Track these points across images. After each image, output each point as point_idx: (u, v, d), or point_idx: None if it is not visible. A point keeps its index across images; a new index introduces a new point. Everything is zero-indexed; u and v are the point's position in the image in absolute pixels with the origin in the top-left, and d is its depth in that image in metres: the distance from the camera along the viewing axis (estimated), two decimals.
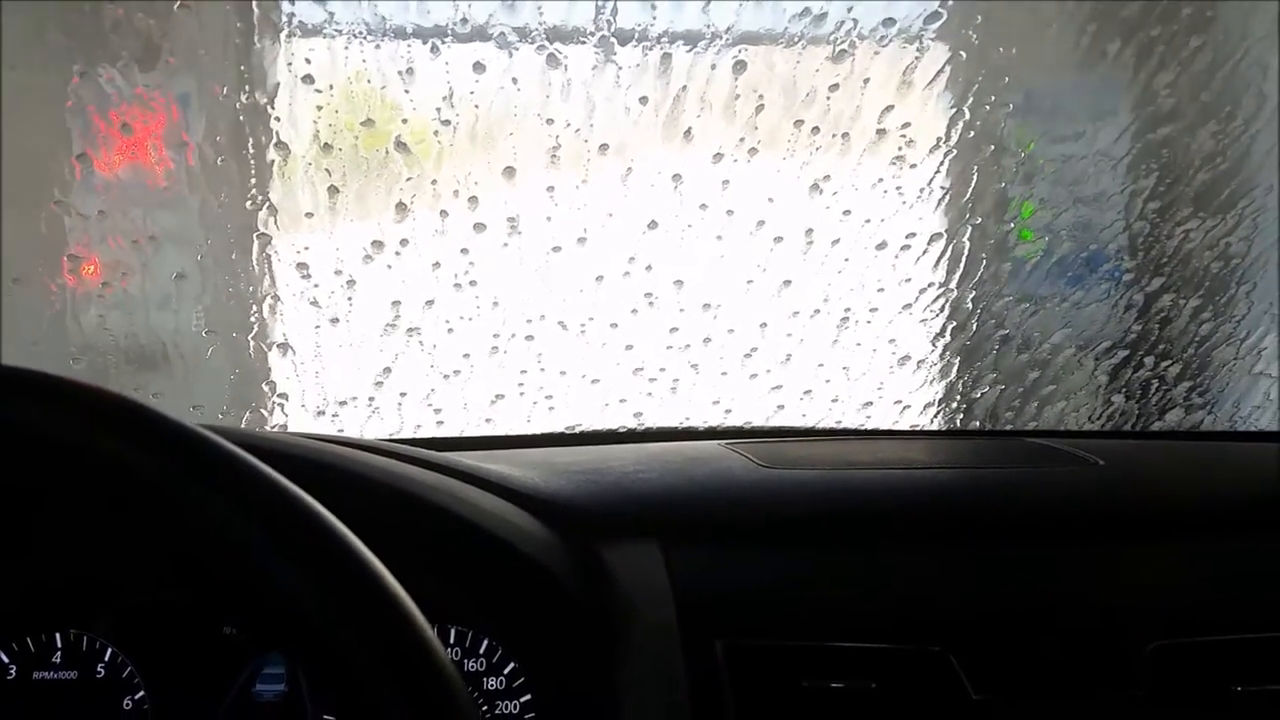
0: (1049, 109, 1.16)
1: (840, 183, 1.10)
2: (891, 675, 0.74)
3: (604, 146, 1.06)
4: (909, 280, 1.14)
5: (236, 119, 1.03)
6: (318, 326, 1.09)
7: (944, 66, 1.08)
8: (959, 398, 1.19)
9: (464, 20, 0.98)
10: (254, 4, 1.00)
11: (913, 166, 1.11)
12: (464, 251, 1.08)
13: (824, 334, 1.15)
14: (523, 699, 0.79)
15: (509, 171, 1.06)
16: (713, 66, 1.02)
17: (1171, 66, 1.12)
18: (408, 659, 0.44)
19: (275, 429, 1.12)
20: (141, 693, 0.78)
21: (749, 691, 0.72)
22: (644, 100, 1.05)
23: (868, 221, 1.12)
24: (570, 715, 0.77)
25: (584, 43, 1.00)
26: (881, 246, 1.13)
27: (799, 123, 1.07)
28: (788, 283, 1.13)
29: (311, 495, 0.47)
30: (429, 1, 0.95)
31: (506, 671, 0.79)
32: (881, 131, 1.08)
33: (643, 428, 1.15)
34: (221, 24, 1.02)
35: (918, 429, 1.20)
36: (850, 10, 1.02)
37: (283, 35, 0.99)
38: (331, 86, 0.99)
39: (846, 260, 1.13)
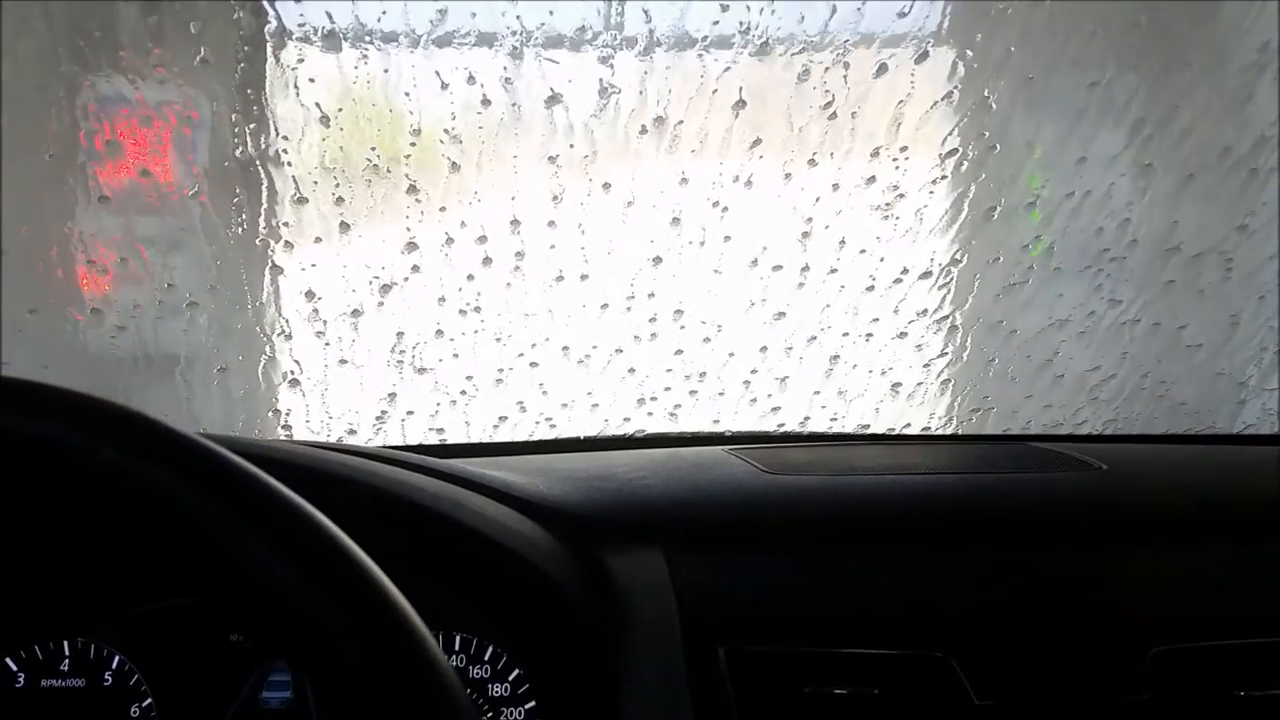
0: (1042, 124, 1.18)
1: (837, 209, 1.12)
2: (894, 681, 0.74)
3: (607, 185, 1.08)
4: (905, 300, 1.16)
5: (249, 152, 1.05)
6: (326, 344, 1.10)
7: (938, 102, 1.11)
8: (957, 410, 1.20)
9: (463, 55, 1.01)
10: (268, 41, 1.02)
11: (901, 196, 1.13)
12: (470, 278, 1.10)
13: (822, 356, 1.17)
14: (527, 705, 0.79)
15: (512, 199, 1.08)
16: (714, 91, 1.05)
17: (1164, 91, 1.15)
18: (408, 666, 0.45)
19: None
20: (148, 700, 0.78)
21: (752, 697, 0.72)
22: (644, 131, 1.08)
23: (863, 251, 1.14)
24: None
25: (590, 48, 1.02)
26: (873, 279, 1.14)
27: (793, 154, 1.09)
28: (782, 313, 1.15)
29: (313, 503, 0.48)
30: (439, 2, 0.98)
31: (511, 678, 0.79)
32: (875, 161, 1.10)
33: (645, 434, 1.15)
34: (233, 57, 1.04)
35: (920, 434, 1.21)
36: (846, 41, 1.05)
37: (293, 63, 1.02)
38: (340, 110, 1.02)
39: (842, 287, 1.15)
